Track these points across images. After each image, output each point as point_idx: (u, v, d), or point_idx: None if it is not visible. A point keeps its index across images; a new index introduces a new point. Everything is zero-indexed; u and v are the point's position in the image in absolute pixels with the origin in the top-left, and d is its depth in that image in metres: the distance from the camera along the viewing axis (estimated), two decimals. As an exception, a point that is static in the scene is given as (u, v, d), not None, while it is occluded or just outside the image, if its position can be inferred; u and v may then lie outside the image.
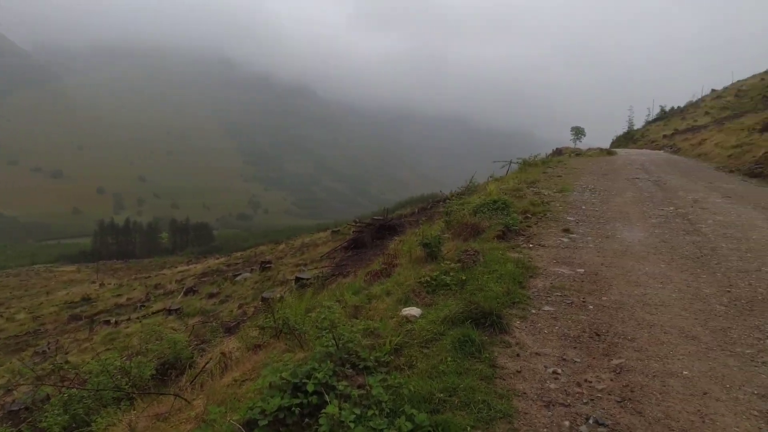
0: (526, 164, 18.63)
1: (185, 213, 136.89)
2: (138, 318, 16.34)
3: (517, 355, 3.34)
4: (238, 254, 43.38)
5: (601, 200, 9.78)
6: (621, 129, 54.84)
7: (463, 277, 4.73)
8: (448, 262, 5.17)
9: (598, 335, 3.60)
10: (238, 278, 20.45)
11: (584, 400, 2.77)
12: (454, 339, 3.42)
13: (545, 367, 3.16)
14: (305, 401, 2.76)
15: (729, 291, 4.42)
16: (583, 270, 5.18)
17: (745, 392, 2.77)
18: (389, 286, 5.13)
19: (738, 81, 52.94)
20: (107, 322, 17.14)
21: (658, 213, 8.35)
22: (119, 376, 4.26)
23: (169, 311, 13.74)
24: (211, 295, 17.11)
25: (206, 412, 2.94)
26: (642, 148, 35.22)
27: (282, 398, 2.77)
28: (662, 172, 15.18)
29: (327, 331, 3.50)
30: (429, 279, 4.80)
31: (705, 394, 2.77)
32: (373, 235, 19.16)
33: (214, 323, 9.30)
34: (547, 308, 4.15)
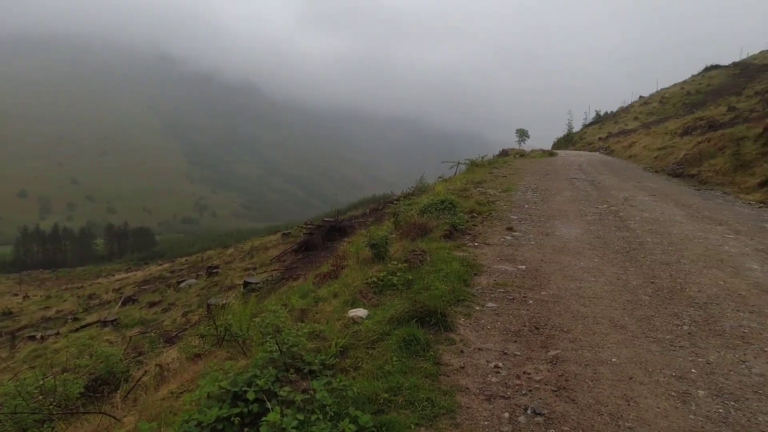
0: (473, 165, 19.19)
1: (123, 217, 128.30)
2: (68, 332, 15.12)
3: (461, 351, 3.41)
4: (183, 260, 41.38)
5: (542, 199, 10.26)
6: (561, 131, 58.08)
7: (410, 277, 4.78)
8: (395, 263, 5.20)
9: (537, 328, 3.76)
10: (182, 285, 19.51)
11: (523, 392, 2.87)
12: (400, 339, 3.43)
13: (487, 361, 3.25)
14: (246, 410, 2.66)
15: (653, 282, 4.77)
16: (524, 267, 5.39)
17: (665, 375, 2.99)
18: (337, 287, 5.08)
19: (662, 89, 57.64)
20: (32, 338, 15.73)
21: (593, 211, 8.87)
22: (42, 397, 3.91)
23: (105, 323, 12.83)
24: (152, 304, 16.18)
25: (137, 429, 2.75)
26: (580, 150, 37.44)
27: (221, 408, 2.65)
28: (597, 173, 16.19)
29: (271, 336, 3.40)
30: (376, 280, 4.80)
31: (630, 378, 2.96)
32: (324, 236, 18.97)
33: (153, 334, 8.78)
34: (490, 305, 4.28)
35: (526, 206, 9.42)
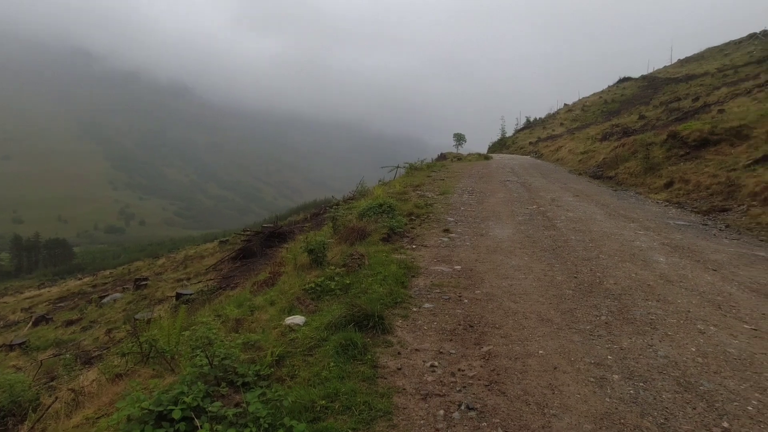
0: (412, 168, 19.57)
1: (33, 228, 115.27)
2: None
3: (398, 353, 3.44)
4: (107, 272, 38.27)
5: (477, 201, 10.68)
6: (496, 136, 60.95)
7: (348, 282, 4.75)
8: (333, 268, 5.15)
9: (472, 326, 3.89)
10: (106, 300, 18.01)
11: (458, 388, 2.95)
12: (337, 344, 3.40)
13: (424, 361, 3.31)
14: (172, 431, 2.49)
15: (576, 277, 5.12)
16: (460, 267, 5.57)
17: (585, 363, 3.21)
18: (273, 295, 4.93)
19: (583, 98, 62.47)
20: None
21: (523, 211, 9.38)
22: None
23: (11, 346, 11.51)
24: (69, 323, 14.77)
25: (44, 462, 2.48)
26: (513, 154, 39.55)
27: (143, 431, 2.46)
28: (528, 175, 17.15)
29: (201, 350, 3.23)
30: (314, 285, 4.72)
31: (555, 368, 3.15)
32: (263, 243, 18.43)
33: (69, 355, 8.01)
34: (427, 305, 4.36)
35: (462, 208, 9.75)
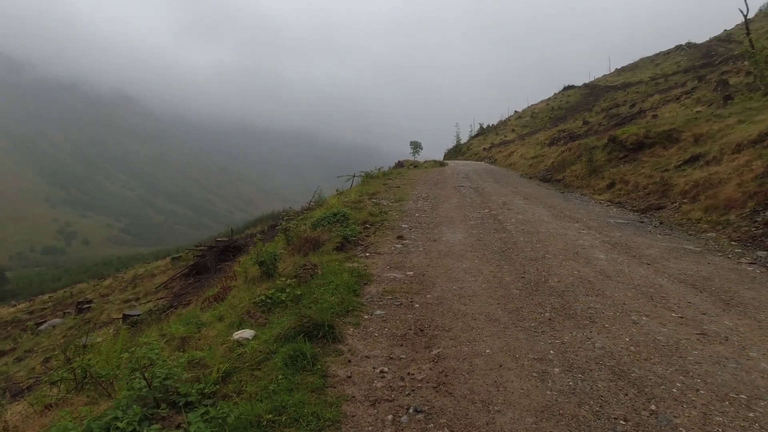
0: (368, 177, 19.66)
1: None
2: None
3: (349, 361, 3.42)
4: (46, 297, 35.67)
5: (431, 207, 10.88)
6: (451, 143, 62.47)
7: (299, 292, 4.69)
8: (284, 279, 5.07)
9: (422, 330, 3.93)
10: (43, 327, 16.76)
11: (406, 392, 2.97)
12: (286, 356, 3.34)
13: (374, 368, 3.31)
14: (104, 459, 2.35)
15: (523, 277, 5.31)
16: (412, 272, 5.63)
17: (529, 359, 3.33)
18: (222, 310, 4.78)
19: (532, 104, 65.34)
20: None
21: (475, 216, 9.63)
22: None
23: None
24: (1, 354, 13.61)
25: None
26: (468, 160, 40.66)
27: (71, 463, 2.31)
28: (481, 180, 17.66)
29: (139, 371, 3.07)
30: (264, 298, 4.62)
31: (500, 366, 3.24)
32: (216, 258, 17.86)
33: (-2, 387, 7.38)
34: (378, 312, 4.38)
35: (417, 214, 9.89)
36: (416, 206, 11.04)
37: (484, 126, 67.53)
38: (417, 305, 4.53)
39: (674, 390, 2.84)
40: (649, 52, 71.62)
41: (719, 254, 6.51)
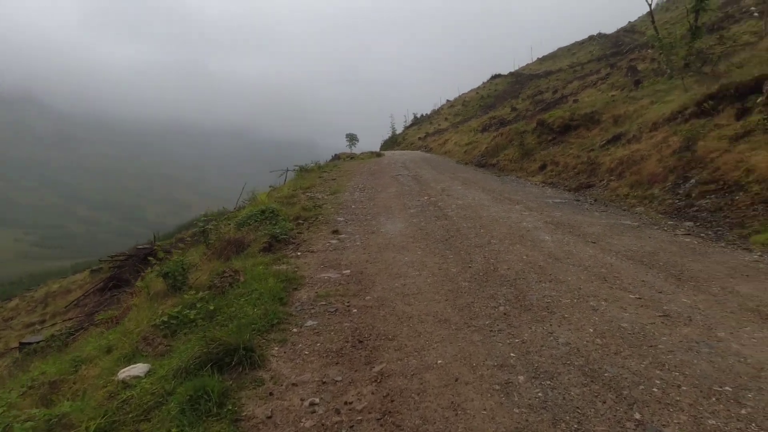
0: (303, 171, 18.70)
1: None
2: None
3: (270, 393, 2.70)
4: (-64, 328, 30.83)
5: (369, 198, 10.27)
6: (387, 134, 62.37)
7: (212, 307, 3.86)
8: (193, 293, 4.20)
9: (361, 342, 3.30)
10: (-77, 365, 14.13)
11: (344, 430, 2.32)
12: (184, 398, 2.55)
13: (302, 399, 2.62)
14: None
15: (470, 267, 4.85)
16: (349, 271, 4.97)
17: (488, 367, 2.81)
18: (114, 338, 3.84)
19: (463, 94, 66.85)
20: None
21: (415, 204, 9.15)
22: None
23: None
24: None
25: None
26: (404, 150, 40.60)
27: None
28: (419, 168, 17.35)
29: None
30: (167, 318, 3.74)
31: (456, 380, 2.69)
32: (137, 268, 16.09)
33: None
34: (310, 323, 3.68)
35: (353, 206, 9.24)
36: (353, 198, 10.38)
37: (419, 116, 68.19)
38: (355, 310, 3.89)
39: (655, 390, 2.44)
40: (567, 43, 75.99)
41: (655, 228, 6.50)
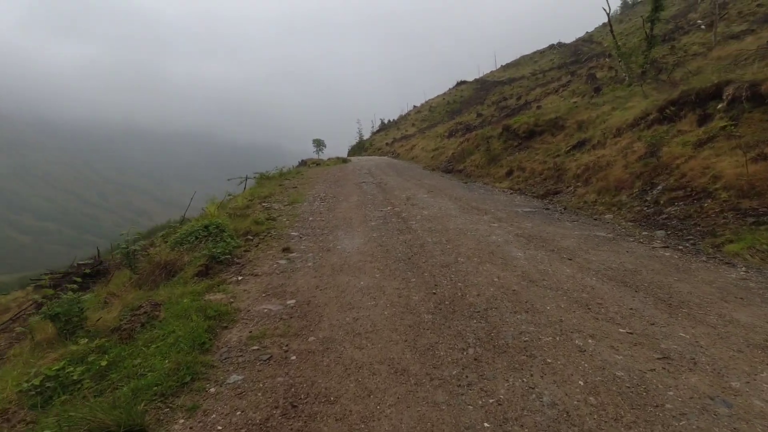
0: (263, 178, 17.73)
1: None
2: None
3: (155, 504, 1.92)
4: None
5: (328, 208, 9.51)
6: (355, 140, 61.74)
7: (105, 363, 3.01)
8: (85, 341, 3.33)
9: (295, 407, 2.56)
10: None
11: None
12: None
13: None
14: None
15: (434, 293, 4.19)
16: (294, 301, 4.21)
17: (456, 449, 2.14)
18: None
19: (429, 99, 67.13)
20: None
21: (377, 215, 8.48)
22: None
23: None
24: None
25: None
26: (372, 155, 39.95)
27: None
28: (384, 175, 16.72)
29: None
30: (43, 380, 2.87)
31: (414, 473, 1.99)
32: (80, 286, 14.59)
33: None
34: (234, 378, 2.90)
35: (311, 218, 8.46)
36: (311, 208, 9.60)
37: (386, 121, 67.94)
38: (294, 357, 3.14)
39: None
40: (529, 51, 77.96)
41: (631, 239, 6.09)
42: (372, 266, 5.17)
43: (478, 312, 3.67)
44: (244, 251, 6.35)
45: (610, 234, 6.41)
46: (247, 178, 18.69)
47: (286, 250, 6.15)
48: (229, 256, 5.86)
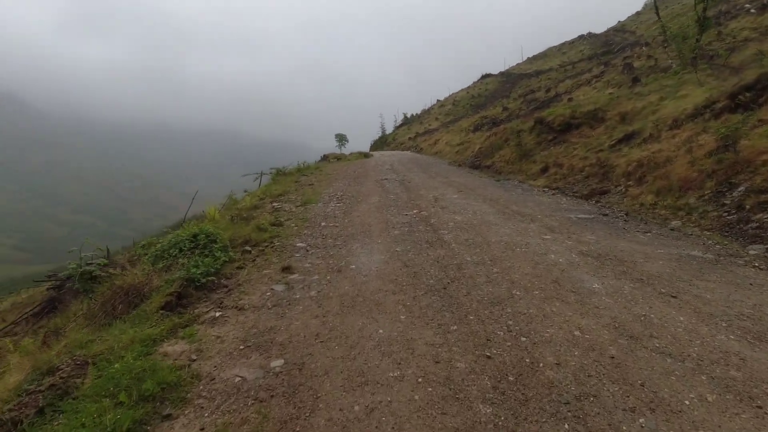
0: (278, 174, 16.59)
1: None
2: None
3: None
4: None
5: (345, 211, 8.19)
6: (377, 134, 60.47)
7: None
8: None
9: None
10: None
11: None
12: None
13: None
14: None
15: (489, 356, 2.79)
16: (282, 362, 2.89)
17: None
18: None
19: (453, 93, 65.14)
20: None
21: (401, 221, 7.10)
22: None
23: None
24: None
25: None
26: (394, 150, 38.53)
27: None
28: (407, 171, 15.33)
29: None
30: None
31: None
32: (84, 287, 13.79)
33: None
34: None
35: (323, 223, 7.16)
36: (325, 211, 8.30)
37: (409, 116, 66.34)
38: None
39: None
40: (556, 42, 74.81)
41: (741, 262, 4.54)
42: (395, 300, 3.80)
43: (567, 404, 2.27)
44: (237, 268, 5.10)
45: (708, 254, 4.87)
46: (262, 174, 17.59)
47: (287, 269, 4.84)
48: (212, 278, 4.60)
